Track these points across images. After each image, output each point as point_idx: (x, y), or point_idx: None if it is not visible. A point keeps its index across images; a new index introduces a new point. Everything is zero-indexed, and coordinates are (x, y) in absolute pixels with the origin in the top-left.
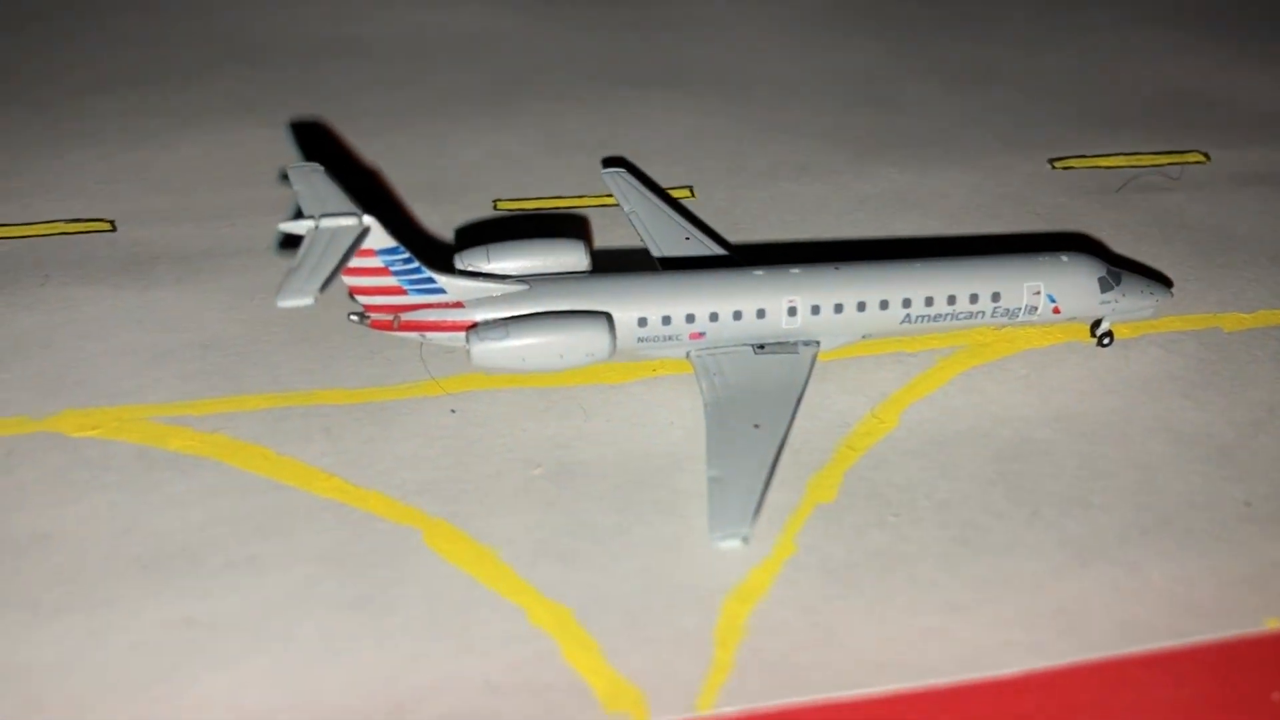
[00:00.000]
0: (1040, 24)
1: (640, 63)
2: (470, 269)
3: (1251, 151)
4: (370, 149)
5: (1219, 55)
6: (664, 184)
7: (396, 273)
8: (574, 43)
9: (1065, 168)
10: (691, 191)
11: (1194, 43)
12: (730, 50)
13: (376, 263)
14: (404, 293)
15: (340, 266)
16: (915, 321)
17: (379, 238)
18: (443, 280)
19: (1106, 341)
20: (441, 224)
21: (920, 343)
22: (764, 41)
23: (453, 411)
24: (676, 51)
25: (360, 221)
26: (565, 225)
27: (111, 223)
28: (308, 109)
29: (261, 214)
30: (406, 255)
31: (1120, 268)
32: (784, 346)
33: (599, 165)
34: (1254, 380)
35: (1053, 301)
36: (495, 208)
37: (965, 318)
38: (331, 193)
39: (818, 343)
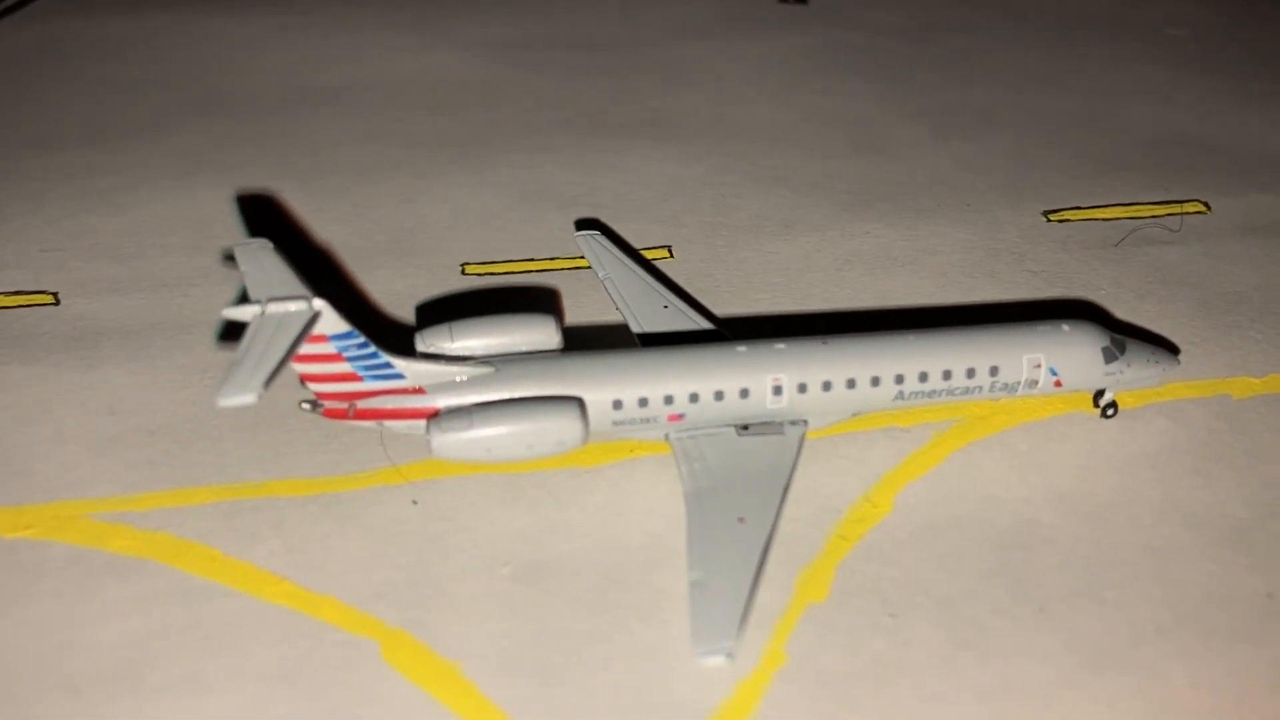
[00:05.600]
0: (1034, 64)
1: (620, 111)
2: (432, 349)
3: (1254, 199)
4: (335, 207)
5: (1219, 96)
6: (642, 243)
7: (351, 359)
8: (551, 91)
9: (1061, 220)
10: (670, 251)
11: (1192, 82)
12: (714, 97)
13: (329, 348)
14: (359, 379)
15: (288, 356)
16: (909, 398)
17: (331, 322)
18: (401, 365)
19: (1110, 413)
20: (406, 290)
21: (914, 416)
22: (749, 87)
23: (414, 503)
24: (658, 99)
25: (310, 305)
26: (536, 297)
27: (55, 295)
28: (269, 164)
29: (216, 283)
30: (361, 339)
31: (1124, 334)
32: (769, 427)
33: (573, 224)
34: (1268, 453)
35: (1054, 374)
36: (463, 272)
37: (962, 393)
38: (280, 272)
39: (805, 422)
